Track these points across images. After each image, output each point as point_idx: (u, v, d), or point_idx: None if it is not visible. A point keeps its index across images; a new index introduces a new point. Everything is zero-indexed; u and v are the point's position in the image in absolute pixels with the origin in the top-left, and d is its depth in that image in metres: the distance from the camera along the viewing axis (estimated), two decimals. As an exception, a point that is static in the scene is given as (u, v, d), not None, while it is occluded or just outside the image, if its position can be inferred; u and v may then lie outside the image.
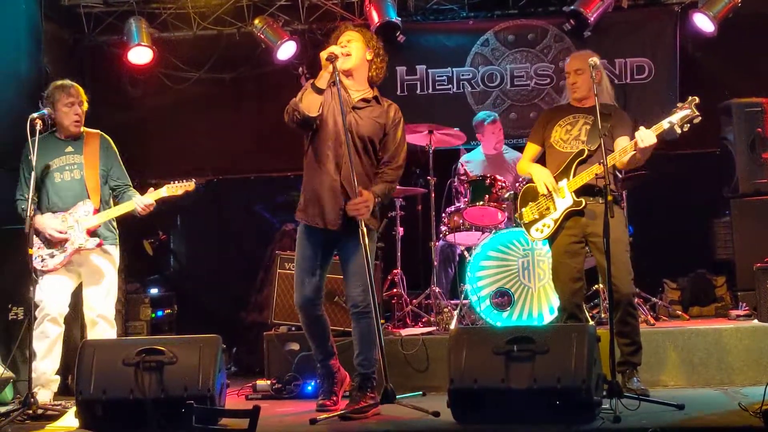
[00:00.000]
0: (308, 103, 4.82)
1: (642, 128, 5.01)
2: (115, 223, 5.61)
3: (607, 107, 5.28)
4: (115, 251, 5.57)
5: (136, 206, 5.46)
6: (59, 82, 5.57)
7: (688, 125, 4.96)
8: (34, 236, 5.28)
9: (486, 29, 7.92)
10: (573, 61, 5.44)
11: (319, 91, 4.83)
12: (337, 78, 4.80)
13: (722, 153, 7.11)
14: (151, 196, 5.49)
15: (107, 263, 5.49)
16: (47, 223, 5.36)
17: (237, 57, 8.07)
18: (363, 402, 4.82)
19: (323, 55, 4.83)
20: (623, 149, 5.09)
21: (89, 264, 5.46)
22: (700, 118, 4.95)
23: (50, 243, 5.37)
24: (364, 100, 4.99)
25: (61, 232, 5.34)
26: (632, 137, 5.09)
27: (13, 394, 5.68)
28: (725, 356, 5.73)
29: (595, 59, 5.05)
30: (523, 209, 5.46)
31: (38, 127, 5.22)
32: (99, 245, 5.40)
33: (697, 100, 4.97)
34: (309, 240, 4.99)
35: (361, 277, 4.78)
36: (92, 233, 5.41)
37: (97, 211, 5.44)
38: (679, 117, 4.96)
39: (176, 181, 5.57)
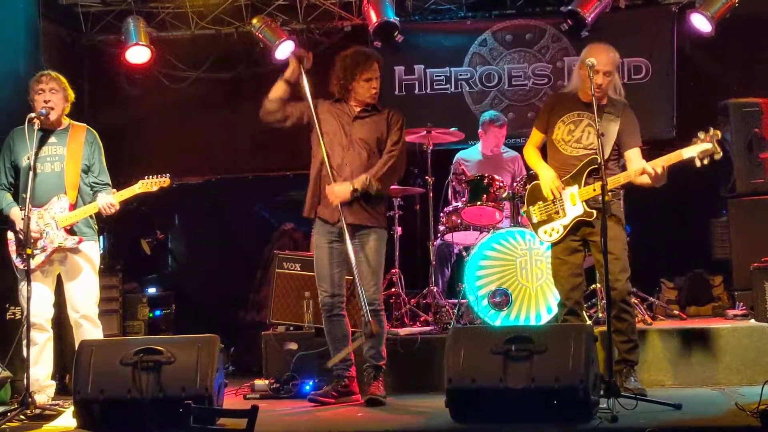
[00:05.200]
0: (274, 91, 5.24)
1: (647, 166, 4.94)
2: (93, 220, 5.47)
3: (615, 107, 5.18)
4: (93, 249, 5.43)
5: (100, 206, 5.30)
6: (39, 72, 5.44)
7: (709, 159, 4.85)
8: (11, 234, 5.26)
9: (484, 29, 7.92)
10: (603, 59, 5.05)
11: (285, 81, 5.23)
12: (303, 76, 5.19)
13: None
14: (123, 194, 5.34)
15: (86, 262, 5.36)
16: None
17: (235, 56, 8.07)
18: (378, 390, 5.23)
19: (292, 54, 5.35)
20: (626, 174, 5.07)
21: (68, 263, 5.34)
22: (721, 154, 4.86)
23: (22, 243, 5.16)
24: (364, 110, 5.34)
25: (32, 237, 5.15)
26: (640, 145, 5.12)
27: (11, 394, 5.67)
28: (722, 356, 5.73)
29: (616, 55, 5.11)
30: (531, 207, 5.36)
31: (36, 127, 5.16)
32: (79, 242, 5.29)
33: (719, 134, 4.86)
34: (321, 238, 5.29)
35: (373, 275, 5.15)
36: (70, 230, 5.30)
37: (72, 207, 5.30)
38: (699, 150, 4.85)
39: (150, 177, 5.38)
